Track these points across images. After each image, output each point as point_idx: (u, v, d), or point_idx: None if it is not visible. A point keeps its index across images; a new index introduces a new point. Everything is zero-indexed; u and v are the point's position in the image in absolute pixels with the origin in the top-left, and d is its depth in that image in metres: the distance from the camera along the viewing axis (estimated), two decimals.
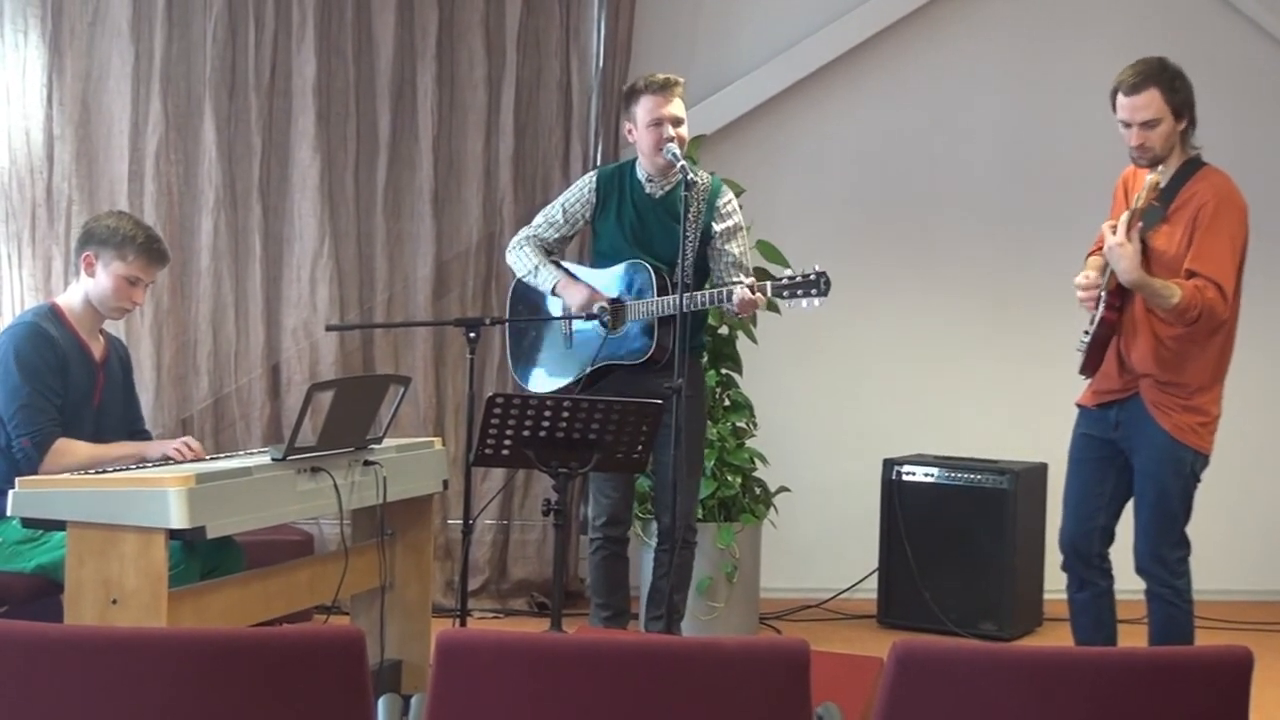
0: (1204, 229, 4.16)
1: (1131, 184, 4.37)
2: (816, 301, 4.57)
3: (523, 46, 6.17)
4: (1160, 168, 4.20)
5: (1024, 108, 6.70)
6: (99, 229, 4.31)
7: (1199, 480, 4.32)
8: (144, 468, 3.95)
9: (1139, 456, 4.31)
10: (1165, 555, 4.29)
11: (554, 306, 5.02)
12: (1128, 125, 4.23)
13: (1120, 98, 4.23)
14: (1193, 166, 4.26)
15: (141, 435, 4.55)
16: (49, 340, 4.20)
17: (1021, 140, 6.70)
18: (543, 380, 5.03)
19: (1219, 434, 4.36)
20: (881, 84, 6.63)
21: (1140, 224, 4.17)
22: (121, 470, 3.88)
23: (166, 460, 4.17)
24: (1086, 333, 4.32)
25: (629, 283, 4.86)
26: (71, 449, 4.14)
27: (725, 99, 6.42)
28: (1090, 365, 4.34)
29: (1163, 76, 4.20)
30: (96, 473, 3.84)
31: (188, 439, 4.29)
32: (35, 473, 4.01)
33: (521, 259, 5.01)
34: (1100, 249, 4.30)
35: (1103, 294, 4.25)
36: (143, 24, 5.90)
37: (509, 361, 5.22)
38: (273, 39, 5.99)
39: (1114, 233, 4.16)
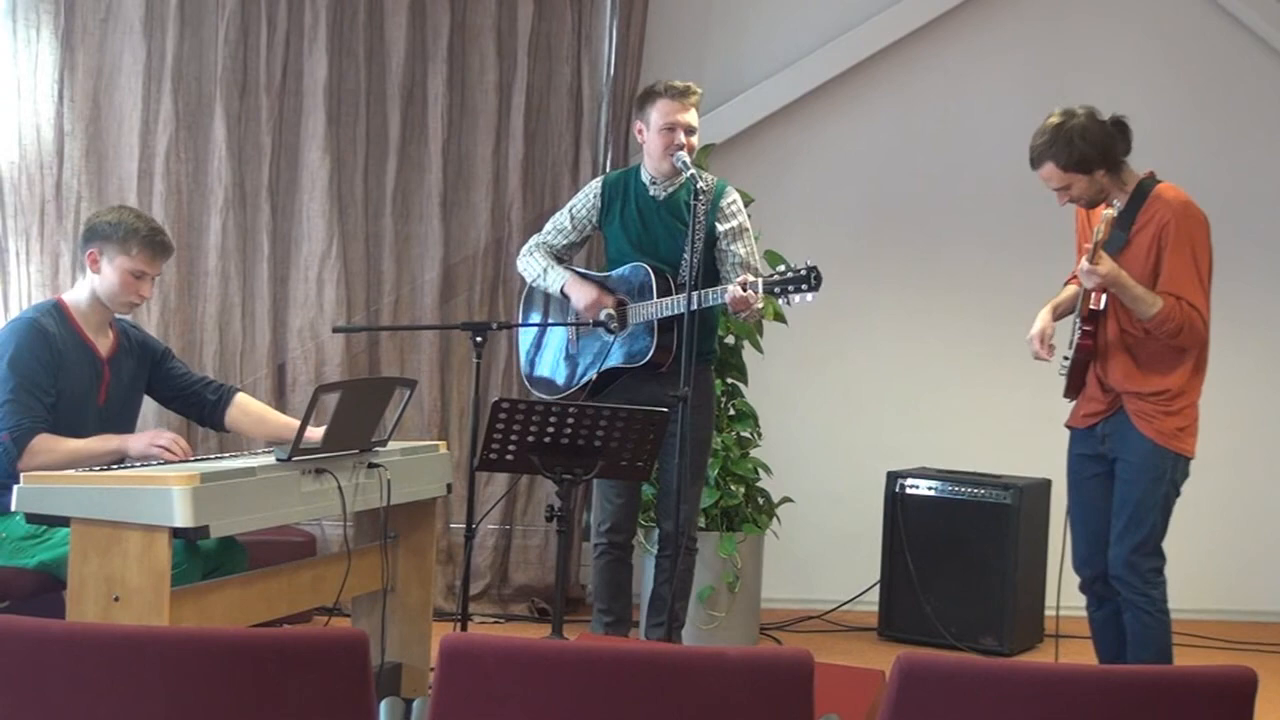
0: (1170, 248, 4.21)
1: (1092, 210, 4.46)
2: (809, 296, 4.55)
3: (534, 52, 6.18)
4: (1116, 202, 4.21)
5: (1031, 123, 6.66)
6: (101, 225, 4.28)
7: (1179, 492, 4.35)
8: (135, 467, 3.93)
9: (1121, 464, 4.36)
10: (1138, 564, 4.30)
11: (563, 310, 5.02)
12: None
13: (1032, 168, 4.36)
14: (1146, 187, 4.30)
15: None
16: (45, 336, 4.17)
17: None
18: (549, 385, 5.03)
19: (1208, 458, 4.38)
20: (890, 98, 6.64)
21: (1105, 254, 4.24)
22: (125, 468, 3.87)
23: (149, 459, 4.09)
24: (1066, 358, 4.43)
25: (631, 285, 4.86)
26: (50, 446, 4.08)
27: (735, 109, 6.43)
28: (1073, 388, 4.46)
29: (1053, 148, 4.26)
30: (101, 469, 3.84)
31: (176, 437, 4.20)
32: (14, 469, 3.99)
33: (531, 264, 5.02)
34: (1075, 278, 4.43)
35: (1077, 321, 4.35)
36: (155, 22, 5.91)
37: (521, 364, 5.21)
38: (284, 39, 6.00)
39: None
